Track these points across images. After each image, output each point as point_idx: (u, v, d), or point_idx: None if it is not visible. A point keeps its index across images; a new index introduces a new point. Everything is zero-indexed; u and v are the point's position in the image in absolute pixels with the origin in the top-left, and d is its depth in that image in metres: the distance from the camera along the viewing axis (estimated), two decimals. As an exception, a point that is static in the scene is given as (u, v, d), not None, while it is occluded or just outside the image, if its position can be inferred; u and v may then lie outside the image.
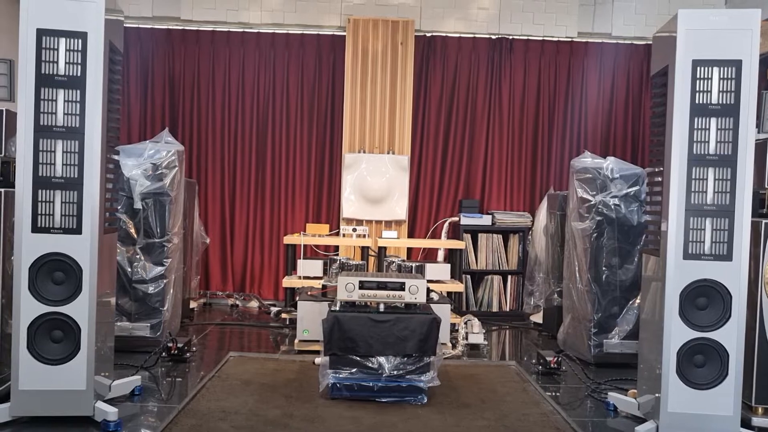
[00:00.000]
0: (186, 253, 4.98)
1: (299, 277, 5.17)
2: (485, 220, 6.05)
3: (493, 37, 6.29)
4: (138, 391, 3.37)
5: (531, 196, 6.39)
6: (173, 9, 6.18)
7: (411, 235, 6.25)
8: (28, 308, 2.82)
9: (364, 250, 5.51)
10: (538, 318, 5.56)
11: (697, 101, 2.84)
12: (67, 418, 2.87)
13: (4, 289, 3.06)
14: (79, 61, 2.83)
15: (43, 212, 2.82)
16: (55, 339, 2.85)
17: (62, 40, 2.81)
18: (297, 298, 4.57)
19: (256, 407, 3.20)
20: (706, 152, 2.84)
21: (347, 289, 3.47)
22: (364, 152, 6.10)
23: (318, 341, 3.91)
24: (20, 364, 2.82)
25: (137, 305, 4.23)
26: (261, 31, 6.25)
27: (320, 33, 6.26)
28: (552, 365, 3.98)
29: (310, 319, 4.28)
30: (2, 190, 3.07)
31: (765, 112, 3.34)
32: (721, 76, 2.83)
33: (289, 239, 5.41)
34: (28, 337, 2.82)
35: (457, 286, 5.26)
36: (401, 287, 3.47)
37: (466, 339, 4.64)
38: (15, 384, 2.83)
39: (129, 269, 4.22)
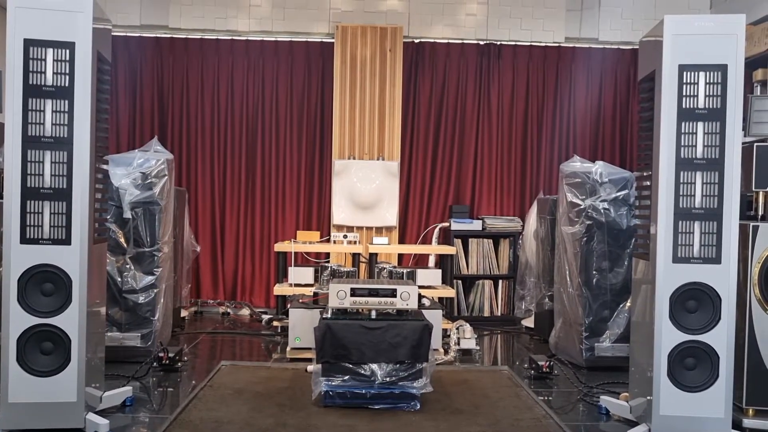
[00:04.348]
0: (176, 262, 4.96)
1: (290, 285, 5.16)
2: (476, 225, 6.06)
3: (482, 42, 6.32)
4: (129, 402, 3.35)
5: (521, 200, 6.40)
6: (161, 17, 6.17)
7: (402, 241, 6.25)
8: (17, 320, 2.80)
9: (355, 256, 5.51)
10: (529, 322, 5.57)
11: (684, 106, 2.87)
12: (57, 430, 2.85)
13: (-8, 301, 3.04)
14: (67, 71, 2.82)
15: (32, 223, 2.81)
16: (45, 351, 2.83)
17: (50, 51, 2.81)
18: (288, 306, 4.56)
19: (249, 416, 3.19)
20: (693, 156, 2.87)
21: (339, 296, 3.47)
22: (354, 159, 6.10)
23: (310, 349, 3.90)
24: (10, 377, 2.80)
25: (128, 315, 4.21)
26: (250, 38, 6.25)
27: (309, 40, 6.26)
28: (544, 369, 3.99)
29: (302, 326, 4.27)
30: (-10, 201, 3.05)
31: (751, 115, 3.37)
32: (708, 81, 2.86)
33: (279, 247, 5.40)
34: (18, 349, 2.80)
35: (449, 292, 5.27)
36: (393, 294, 3.47)
37: (458, 344, 4.64)
38: (4, 396, 2.81)
39: (119, 279, 4.19)
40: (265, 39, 6.25)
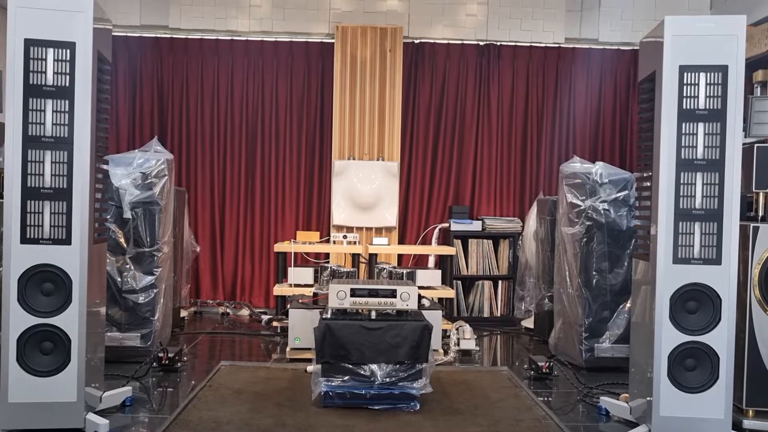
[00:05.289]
0: (176, 262, 4.95)
1: (290, 285, 5.16)
2: (475, 225, 6.06)
3: (481, 43, 6.32)
4: (129, 402, 3.35)
5: (521, 201, 6.40)
6: (161, 17, 6.16)
7: (401, 241, 6.25)
8: (17, 320, 2.80)
9: (355, 257, 5.51)
10: (529, 323, 5.56)
11: (684, 106, 2.87)
12: (57, 430, 2.84)
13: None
14: (68, 71, 2.82)
15: (32, 223, 2.81)
16: (44, 351, 2.83)
17: (50, 50, 2.80)
18: (288, 306, 4.56)
19: (248, 417, 3.19)
20: (694, 157, 2.87)
21: (338, 296, 3.46)
22: (354, 159, 6.10)
23: (310, 349, 3.91)
24: (10, 377, 2.80)
25: (127, 315, 4.20)
26: (249, 39, 6.24)
27: (309, 40, 6.26)
28: (544, 370, 3.99)
29: (302, 327, 4.27)
30: (-10, 201, 3.05)
31: (751, 116, 3.37)
32: (708, 82, 2.86)
33: (279, 247, 5.40)
34: (18, 349, 2.80)
35: (448, 292, 5.27)
36: (392, 294, 3.47)
37: (458, 345, 4.64)
38: (4, 397, 2.81)
39: (119, 279, 4.19)
40: (265, 39, 6.25)
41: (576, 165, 4.50)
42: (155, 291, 4.25)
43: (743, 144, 3.00)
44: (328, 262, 5.79)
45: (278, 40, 6.26)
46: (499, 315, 6.04)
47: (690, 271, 2.87)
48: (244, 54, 6.25)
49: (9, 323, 2.79)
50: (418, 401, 3.35)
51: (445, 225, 6.17)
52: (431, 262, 6.08)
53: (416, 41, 6.28)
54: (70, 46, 2.82)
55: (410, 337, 3.33)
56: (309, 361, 4.01)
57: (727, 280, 2.86)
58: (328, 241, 5.81)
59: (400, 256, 6.11)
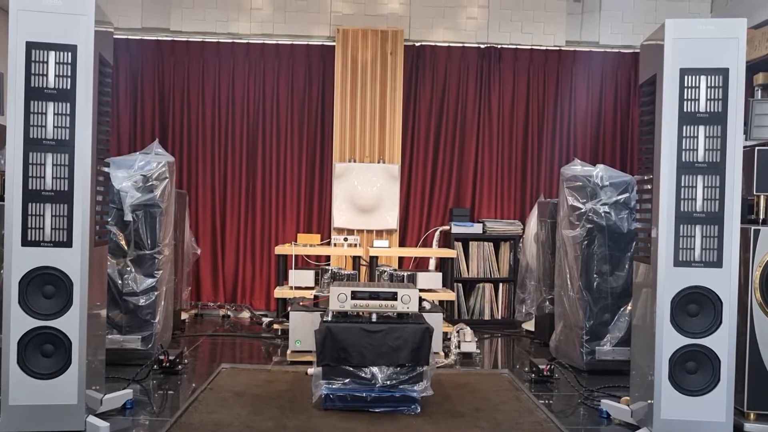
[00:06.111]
0: (177, 265, 4.95)
1: (291, 288, 5.16)
2: (476, 228, 6.06)
3: (482, 46, 6.32)
4: (130, 404, 3.34)
5: (521, 204, 6.40)
6: (162, 20, 6.18)
7: (402, 244, 6.25)
8: (18, 323, 2.80)
9: (356, 259, 5.51)
10: (530, 326, 5.56)
11: (685, 109, 2.87)
12: (58, 433, 2.85)
13: (-7, 303, 3.04)
14: (69, 74, 2.83)
15: (33, 226, 2.81)
16: (45, 353, 2.83)
17: (52, 53, 2.81)
18: (289, 309, 4.56)
19: (248, 419, 3.19)
20: (694, 160, 2.87)
21: (339, 299, 3.46)
22: (355, 162, 6.10)
23: (310, 352, 3.90)
24: (10, 379, 2.80)
25: (128, 318, 4.20)
26: (251, 41, 6.25)
27: (310, 43, 6.27)
28: (545, 373, 3.98)
29: (303, 329, 4.26)
30: (-9, 203, 3.05)
31: (752, 119, 3.37)
32: (709, 85, 2.86)
33: (280, 249, 5.40)
34: (18, 352, 2.80)
35: (449, 295, 5.26)
36: (393, 297, 3.47)
37: (459, 348, 4.64)
38: (5, 399, 2.81)
39: (120, 281, 4.19)
40: (266, 42, 6.26)
41: (577, 168, 4.50)
42: (156, 293, 4.25)
43: (744, 147, 3.00)
44: (328, 264, 5.79)
45: (279, 42, 6.26)
46: (499, 318, 6.04)
47: (691, 273, 2.87)
48: (245, 57, 6.25)
49: (10, 325, 2.79)
50: (419, 404, 3.35)
51: (446, 228, 6.17)
52: (432, 264, 6.08)
53: (417, 44, 6.29)
54: (72, 48, 2.82)
55: (411, 340, 3.33)
56: (310, 363, 4.01)
57: (728, 282, 2.86)
58: (328, 243, 5.81)
59: (400, 259, 6.11)
